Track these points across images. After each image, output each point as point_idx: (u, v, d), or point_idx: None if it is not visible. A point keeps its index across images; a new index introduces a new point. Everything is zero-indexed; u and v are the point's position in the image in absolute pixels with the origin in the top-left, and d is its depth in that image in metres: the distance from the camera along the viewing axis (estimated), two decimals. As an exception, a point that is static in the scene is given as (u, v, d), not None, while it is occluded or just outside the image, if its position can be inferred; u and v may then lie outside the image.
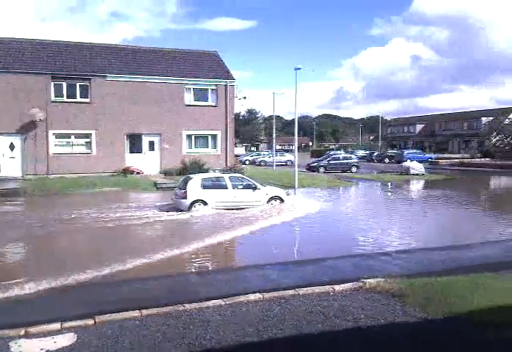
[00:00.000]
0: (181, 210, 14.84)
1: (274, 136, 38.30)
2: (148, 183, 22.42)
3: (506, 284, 6.29)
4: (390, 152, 55.51)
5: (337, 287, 6.37)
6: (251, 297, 6.05)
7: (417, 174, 32.02)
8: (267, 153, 52.56)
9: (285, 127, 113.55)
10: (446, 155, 56.87)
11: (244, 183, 15.98)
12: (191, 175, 16.75)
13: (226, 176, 16.22)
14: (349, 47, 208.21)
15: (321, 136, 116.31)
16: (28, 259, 9.84)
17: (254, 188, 15.82)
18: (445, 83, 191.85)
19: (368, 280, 6.55)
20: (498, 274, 7.01)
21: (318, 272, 8.18)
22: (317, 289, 6.36)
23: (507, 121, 45.31)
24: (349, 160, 37.31)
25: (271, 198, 15.96)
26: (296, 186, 22.17)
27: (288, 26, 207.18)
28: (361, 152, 60.86)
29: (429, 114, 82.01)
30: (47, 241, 11.51)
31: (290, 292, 6.23)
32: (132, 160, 25.86)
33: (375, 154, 55.56)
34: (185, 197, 14.91)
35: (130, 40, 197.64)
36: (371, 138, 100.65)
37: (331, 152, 47.28)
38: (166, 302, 5.93)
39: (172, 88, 26.50)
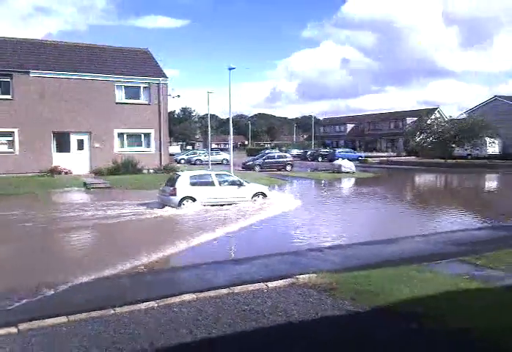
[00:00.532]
0: (170, 207, 15.06)
1: (209, 134, 38.07)
2: (77, 183, 21.48)
3: (428, 275, 6.66)
4: (323, 151, 57.13)
5: (271, 284, 6.45)
6: (185, 297, 5.97)
7: (348, 172, 33.23)
8: (202, 152, 52.18)
9: (221, 126, 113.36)
10: (374, 154, 59.55)
11: (230, 180, 16.60)
12: (178, 172, 17.52)
13: (213, 173, 16.91)
14: (283, 48, 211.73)
15: (257, 135, 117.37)
16: None
17: (240, 185, 16.40)
18: (374, 84, 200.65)
19: (301, 276, 6.69)
20: (421, 266, 7.40)
21: (254, 270, 8.23)
22: (251, 286, 6.40)
23: (429, 121, 48.06)
24: (284, 159, 37.91)
25: (255, 194, 16.55)
26: None
27: (223, 26, 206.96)
28: (295, 151, 62.18)
29: (359, 114, 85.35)
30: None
31: (225, 291, 6.22)
32: (60, 160, 24.68)
33: (309, 153, 56.93)
34: (174, 194, 15.23)
35: (55, 35, 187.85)
36: (305, 137, 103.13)
37: (267, 151, 47.90)
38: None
39: (101, 85, 25.57)
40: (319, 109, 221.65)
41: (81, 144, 25.53)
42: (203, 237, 10.85)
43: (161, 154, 27.23)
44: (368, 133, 72.17)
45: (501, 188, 27.50)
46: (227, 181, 16.53)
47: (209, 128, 36.75)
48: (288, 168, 36.58)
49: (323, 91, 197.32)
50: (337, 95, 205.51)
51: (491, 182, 30.61)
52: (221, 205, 15.56)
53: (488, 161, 43.23)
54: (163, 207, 15.30)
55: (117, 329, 4.94)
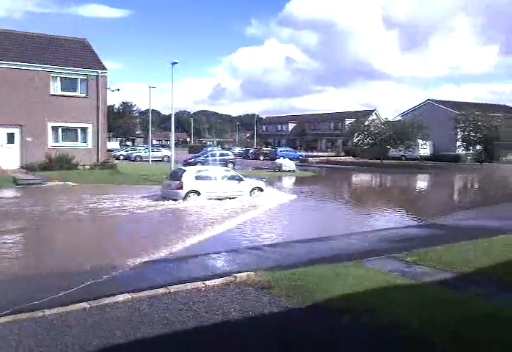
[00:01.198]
0: (174, 200, 16.09)
1: (150, 130, 37.34)
2: (5, 179, 20.28)
3: (361, 272, 6.88)
4: (265, 149, 57.72)
5: (209, 283, 6.40)
6: (120, 298, 5.78)
7: (288, 171, 33.78)
8: (143, 148, 50.99)
9: (163, 122, 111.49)
10: (315, 153, 60.91)
11: (231, 175, 17.85)
12: (183, 167, 18.91)
13: (215, 168, 18.67)
14: (228, 44, 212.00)
15: (199, 132, 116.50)
16: None
17: (239, 180, 17.65)
18: (316, 84, 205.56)
19: (239, 274, 6.69)
20: (356, 263, 7.64)
21: (193, 268, 8.15)
22: (189, 285, 6.32)
23: (367, 123, 49.84)
24: (226, 157, 37.89)
25: (253, 189, 17.78)
26: None
27: (166, 19, 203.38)
28: (237, 149, 62.34)
29: (300, 113, 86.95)
30: None
31: (161, 290, 6.10)
32: (-14, 154, 23.19)
33: (251, 151, 57.27)
34: (180, 188, 16.23)
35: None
36: (248, 135, 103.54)
37: (209, 149, 47.65)
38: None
39: (34, 76, 24.27)
40: (262, 107, 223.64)
41: (11, 138, 24.12)
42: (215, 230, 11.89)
43: (98, 149, 26.28)
44: (309, 133, 73.72)
45: (431, 187, 29.07)
46: (228, 176, 17.68)
47: (150, 124, 36.05)
48: (230, 166, 36.56)
49: (267, 89, 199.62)
50: (280, 94, 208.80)
51: (422, 182, 32.26)
52: (223, 199, 16.70)
53: (420, 162, 45.54)
54: (167, 200, 16.30)
55: (46, 333, 4.69)
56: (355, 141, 50.79)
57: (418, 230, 12.13)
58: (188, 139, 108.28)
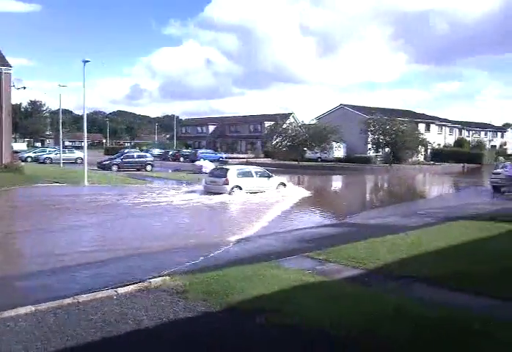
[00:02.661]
0: (219, 194, 18.99)
1: (61, 130, 35.31)
2: None
3: (276, 272, 7.00)
4: (185, 151, 57.03)
5: (121, 290, 6.16)
6: (22, 311, 5.38)
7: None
8: (53, 150, 48.13)
9: (76, 122, 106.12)
10: (235, 155, 61.30)
11: (262, 173, 21.24)
12: (225, 166, 22.52)
13: (251, 167, 22.30)
14: (145, 44, 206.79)
15: (116, 133, 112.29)
16: None
17: (269, 177, 21.14)
18: (236, 87, 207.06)
19: (154, 279, 6.52)
20: (271, 263, 7.75)
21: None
22: (99, 294, 6.03)
23: (285, 125, 51.10)
24: (144, 159, 36.83)
25: (279, 184, 21.26)
26: (86, 184, 21.59)
27: (78, 16, 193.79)
28: (157, 151, 60.98)
29: (221, 116, 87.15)
30: None
31: (68, 300, 5.76)
32: None
33: (171, 153, 56.32)
34: (227, 183, 19.36)
35: None
36: (167, 136, 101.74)
37: (126, 150, 46.09)
38: None
39: None
40: (183, 109, 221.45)
41: None
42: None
43: (2, 151, 24.38)
44: (229, 135, 74.09)
45: (344, 188, 30.45)
46: (261, 174, 21.14)
47: (60, 124, 34.11)
48: (148, 168, 35.66)
49: (187, 91, 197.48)
50: (200, 96, 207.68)
51: (336, 183, 33.71)
52: (257, 193, 19.91)
53: (335, 164, 47.54)
54: (211, 194, 19.10)
55: None
56: (273, 143, 51.90)
57: (331, 229, 12.59)
58: (104, 140, 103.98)
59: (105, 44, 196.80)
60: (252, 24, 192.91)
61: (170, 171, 36.77)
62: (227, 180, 19.49)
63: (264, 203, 17.99)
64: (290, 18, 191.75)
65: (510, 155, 44.60)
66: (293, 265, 7.55)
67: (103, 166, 34.59)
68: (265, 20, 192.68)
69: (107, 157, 42.46)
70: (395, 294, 6.02)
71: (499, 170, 23.97)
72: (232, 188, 19.42)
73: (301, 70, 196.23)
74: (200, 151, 53.44)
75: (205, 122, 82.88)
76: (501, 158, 59.61)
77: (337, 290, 6.04)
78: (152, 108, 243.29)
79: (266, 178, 21.01)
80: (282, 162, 50.19)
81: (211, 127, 79.25)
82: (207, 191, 19.88)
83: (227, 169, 20.45)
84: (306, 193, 21.64)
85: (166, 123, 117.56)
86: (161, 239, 11.00)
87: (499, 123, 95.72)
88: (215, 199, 18.23)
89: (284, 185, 21.57)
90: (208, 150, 57.12)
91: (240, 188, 19.61)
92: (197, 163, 36.11)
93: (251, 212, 15.93)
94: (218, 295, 5.83)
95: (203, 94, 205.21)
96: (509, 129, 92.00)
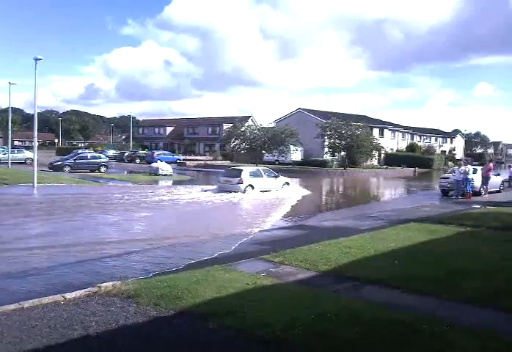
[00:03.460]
0: (234, 192, 21.28)
1: (10, 130, 33.84)
2: None
3: (231, 275, 6.97)
4: (141, 152, 56.06)
5: (69, 295, 5.95)
6: (-41, 319, 5.09)
7: (165, 175, 33.18)
8: (1, 150, 46.13)
9: (26, 121, 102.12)
10: (193, 157, 60.90)
11: (270, 173, 23.56)
12: (238, 167, 24.47)
13: (261, 168, 24.44)
14: (102, 43, 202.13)
15: (69, 133, 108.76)
16: None
17: (276, 177, 23.43)
18: (195, 89, 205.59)
19: (104, 284, 6.34)
20: (226, 266, 7.72)
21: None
22: (45, 299, 5.80)
23: (243, 128, 51.21)
24: (98, 160, 35.91)
25: (284, 184, 23.57)
26: (35, 185, 20.96)
27: (31, 12, 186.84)
28: (112, 152, 59.67)
29: (179, 117, 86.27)
30: None
31: (12, 306, 5.51)
32: None
33: (127, 154, 55.24)
34: (241, 183, 21.53)
35: None
36: (123, 137, 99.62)
37: (79, 151, 44.79)
38: None
39: None
40: (140, 110, 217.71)
41: None
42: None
43: None
44: (187, 137, 73.45)
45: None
46: (269, 174, 23.40)
47: (9, 123, 32.70)
48: (103, 169, 34.80)
49: (145, 91, 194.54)
50: (158, 97, 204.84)
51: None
52: (266, 191, 22.24)
53: (292, 167, 48.07)
54: (226, 192, 21.31)
55: None
56: (232, 145, 51.91)
57: (287, 231, 12.69)
58: (57, 141, 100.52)
59: (61, 42, 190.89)
60: (212, 26, 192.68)
61: (125, 172, 36.05)
62: (241, 179, 21.65)
63: (275, 199, 20.59)
64: (251, 21, 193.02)
65: (458, 160, 46.75)
66: (248, 268, 7.55)
67: (54, 167, 33.44)
68: (226, 23, 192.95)
69: (59, 157, 41.11)
70: (345, 296, 6.13)
71: (447, 174, 24.98)
72: (246, 187, 21.57)
73: (261, 74, 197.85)
74: (157, 153, 52.68)
75: (162, 123, 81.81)
76: (450, 162, 62.19)
77: (289, 293, 6.09)
78: (109, 109, 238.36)
79: (273, 178, 23.39)
80: (240, 164, 50.23)
81: (169, 129, 78.33)
82: (222, 190, 21.96)
83: (241, 170, 22.47)
84: (307, 191, 24.60)
85: (122, 124, 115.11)
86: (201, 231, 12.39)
87: (448, 129, 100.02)
88: (231, 198, 20.28)
89: (288, 184, 23.94)
90: (165, 152, 56.38)
91: (253, 187, 21.82)
92: (154, 164, 35.54)
93: (268, 207, 18.14)
94: (171, 299, 5.75)
95: (161, 95, 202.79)
96: (458, 135, 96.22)
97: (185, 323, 5.08)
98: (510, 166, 35.80)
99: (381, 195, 28.85)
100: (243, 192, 21.36)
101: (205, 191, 22.68)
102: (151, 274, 7.64)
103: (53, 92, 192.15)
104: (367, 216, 15.20)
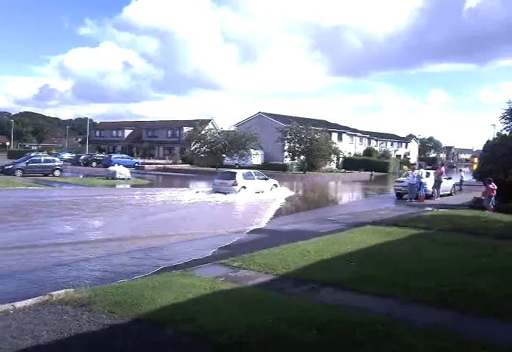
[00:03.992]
0: (229, 193, 22.88)
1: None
2: None
3: (189, 280, 6.89)
4: (98, 156, 54.78)
5: (19, 304, 5.71)
6: None
7: (123, 179, 32.54)
8: None
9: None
10: (152, 161, 60.00)
11: (261, 176, 25.58)
12: (232, 170, 26.88)
13: (252, 171, 26.26)
14: (57, 43, 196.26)
15: (22, 136, 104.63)
16: None
17: (266, 179, 25.55)
18: (155, 91, 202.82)
19: (55, 292, 6.12)
20: (184, 271, 7.63)
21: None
22: (-7, 309, 5.55)
23: (203, 131, 50.99)
24: (51, 163, 34.73)
25: (273, 185, 25.68)
26: None
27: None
28: (67, 155, 58.02)
29: (137, 120, 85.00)
30: None
31: (-44, 317, 5.23)
32: None
33: (83, 157, 53.83)
34: (236, 185, 23.32)
35: None
36: (79, 140, 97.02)
37: (32, 154, 43.26)
38: None
39: None
40: (97, 112, 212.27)
41: None
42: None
43: None
44: (146, 140, 72.36)
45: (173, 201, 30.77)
46: (260, 177, 25.46)
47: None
48: (57, 173, 33.71)
49: (103, 93, 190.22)
50: (117, 99, 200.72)
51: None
52: (257, 192, 24.05)
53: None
54: (221, 194, 22.98)
55: None
56: (192, 149, 51.54)
57: (246, 235, 12.69)
58: (8, 143, 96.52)
59: (13, 41, 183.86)
60: (172, 28, 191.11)
61: (81, 176, 35.09)
62: (236, 181, 23.44)
63: (268, 199, 22.75)
64: (211, 24, 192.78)
65: (413, 164, 48.43)
66: (206, 273, 7.49)
67: (5, 171, 32.09)
68: (186, 25, 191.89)
69: (11, 161, 39.50)
70: (303, 299, 6.19)
71: (402, 178, 25.76)
72: (240, 189, 23.33)
73: (222, 77, 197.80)
74: (114, 156, 51.62)
75: (120, 125, 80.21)
76: (405, 167, 64.17)
77: (248, 297, 6.09)
78: (65, 111, 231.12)
79: (264, 180, 25.40)
80: (200, 168, 49.97)
81: (127, 132, 76.94)
82: (217, 191, 23.66)
83: (235, 173, 24.54)
84: (292, 192, 27.30)
85: (78, 126, 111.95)
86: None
87: (403, 134, 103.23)
88: (226, 198, 21.93)
89: (276, 186, 25.93)
90: (123, 155, 55.34)
91: (245, 188, 23.60)
92: (111, 168, 34.76)
93: (261, 207, 19.94)
94: (127, 306, 5.62)
95: (120, 97, 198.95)
96: (412, 140, 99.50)
97: (142, 330, 4.98)
98: (461, 170, 37.41)
99: (339, 198, 29.39)
100: (237, 193, 23.05)
101: (197, 192, 24.41)
102: (110, 281, 7.45)
103: (6, 92, 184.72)
104: (325, 220, 15.44)
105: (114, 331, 4.95)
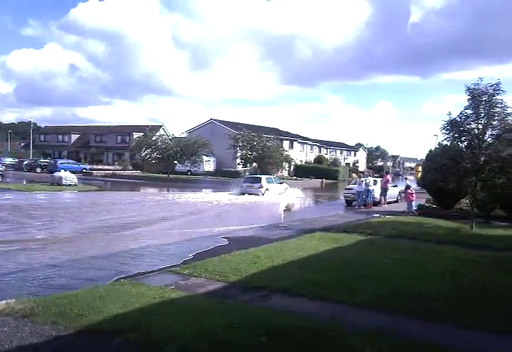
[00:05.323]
0: (254, 194, 28.94)
1: None
2: None
3: (137, 289, 6.74)
4: (43, 161, 52.75)
5: (-46, 317, 5.40)
6: None
7: (69, 185, 31.51)
8: None
9: None
10: (100, 167, 58.45)
11: (278, 180, 32.60)
12: (257, 175, 33.87)
13: (271, 176, 32.93)
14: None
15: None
16: None
17: (281, 183, 32.02)
18: (104, 96, 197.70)
19: (-5, 303, 5.83)
20: (132, 280, 7.49)
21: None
22: None
23: (154, 137, 50.23)
24: (-8, 168, 33.13)
25: (286, 188, 31.83)
26: None
27: None
28: (9, 160, 55.49)
29: (85, 124, 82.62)
30: None
31: None
32: None
33: (26, 162, 51.67)
34: (261, 187, 29.34)
35: None
36: (22, 145, 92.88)
37: (-30, 159, 41.02)
38: None
39: None
40: (42, 116, 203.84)
41: None
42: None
43: None
44: (94, 145, 70.35)
45: (214, 201, 30.75)
46: (276, 181, 32.11)
47: None
48: (-2, 179, 32.15)
49: (48, 96, 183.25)
50: (63, 103, 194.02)
51: (200, 195, 33.90)
52: (279, 194, 30.08)
53: (205, 177, 48.05)
54: (244, 194, 28.94)
55: None
56: (143, 155, 50.62)
57: (199, 243, 12.58)
58: None
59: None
60: (122, 32, 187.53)
61: (24, 182, 33.60)
62: (261, 185, 29.48)
63: (287, 198, 29.55)
64: (162, 30, 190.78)
65: (361, 172, 50.11)
66: (156, 282, 7.36)
67: None
68: (136, 29, 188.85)
69: None
70: (253, 305, 6.22)
71: (351, 186, 26.50)
72: (265, 191, 29.18)
73: (173, 83, 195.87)
74: (60, 161, 49.89)
75: (67, 130, 77.62)
76: (354, 174, 65.99)
77: (197, 305, 6.04)
78: (6, 114, 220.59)
79: (280, 184, 31.77)
80: (151, 175, 49.19)
81: (74, 136, 74.56)
82: (244, 193, 29.11)
83: (260, 177, 31.12)
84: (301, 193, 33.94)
85: (21, 130, 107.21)
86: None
87: (352, 143, 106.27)
88: (254, 199, 27.57)
89: (287, 188, 32.03)
90: (70, 161, 53.62)
91: (268, 190, 29.40)
92: (56, 174, 33.55)
93: (285, 205, 26.19)
94: (72, 316, 5.43)
95: (66, 100, 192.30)
96: (361, 148, 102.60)
97: (87, 341, 4.84)
98: (406, 178, 38.87)
99: (290, 205, 29.75)
100: (263, 194, 28.77)
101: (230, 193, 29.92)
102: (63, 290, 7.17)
103: None
104: (275, 226, 15.60)
105: (58, 343, 4.77)
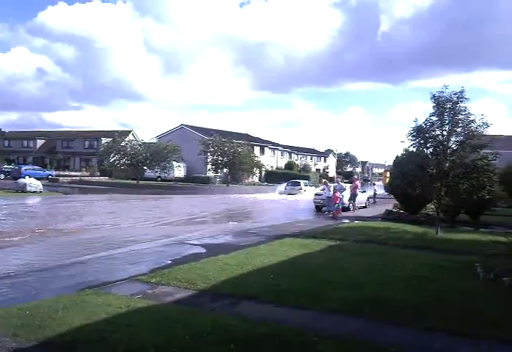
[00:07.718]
0: (296, 194, 41.84)
1: None
2: None
3: (103, 299, 6.57)
4: (6, 167, 51.23)
5: None
6: None
7: (34, 192, 30.73)
8: None
9: None
10: (67, 173, 57.19)
11: (310, 183, 47.64)
12: (296, 180, 46.92)
13: (306, 181, 47.56)
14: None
15: None
16: None
17: (306, 186, 44.01)
18: (73, 100, 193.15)
19: (-49, 316, 5.58)
20: (98, 290, 7.28)
21: None
22: None
23: (123, 143, 49.52)
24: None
25: (306, 189, 42.72)
26: None
27: None
28: (-30, 166, 53.51)
29: (51, 130, 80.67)
30: None
31: None
32: None
33: (-12, 169, 49.95)
34: (301, 189, 43.00)
35: None
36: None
37: None
38: None
39: None
40: (6, 121, 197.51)
41: None
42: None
43: None
44: (61, 151, 68.79)
45: (183, 206, 30.47)
46: (307, 183, 45.66)
47: None
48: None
49: (13, 101, 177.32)
50: (29, 107, 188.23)
51: (168, 202, 33.59)
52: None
53: (175, 183, 47.62)
54: (288, 194, 42.15)
55: None
56: (111, 161, 49.80)
57: (163, 249, 12.38)
58: None
59: None
60: (92, 36, 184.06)
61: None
62: (301, 187, 43.25)
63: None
64: (134, 34, 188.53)
65: (331, 177, 50.83)
66: (122, 291, 7.20)
67: None
68: (106, 33, 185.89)
69: None
70: (221, 313, 6.15)
71: (320, 191, 26.75)
72: (303, 192, 41.50)
73: (145, 88, 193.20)
74: (25, 167, 48.50)
75: (32, 135, 75.65)
76: (324, 180, 66.75)
77: (165, 314, 5.93)
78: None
79: (309, 186, 43.92)
80: (120, 181, 48.41)
81: (40, 142, 72.76)
82: (287, 193, 42.14)
83: (299, 182, 44.74)
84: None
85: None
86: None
87: (322, 149, 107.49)
88: (295, 197, 39.40)
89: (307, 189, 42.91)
90: (35, 167, 52.18)
91: (305, 191, 40.84)
92: (21, 180, 32.59)
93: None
94: (33, 328, 5.25)
95: (33, 105, 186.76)
96: (330, 154, 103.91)
97: (49, 354, 4.67)
98: (374, 184, 39.64)
99: (259, 211, 29.78)
100: (301, 194, 40.46)
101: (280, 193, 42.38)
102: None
103: None
104: (245, 233, 15.55)
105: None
